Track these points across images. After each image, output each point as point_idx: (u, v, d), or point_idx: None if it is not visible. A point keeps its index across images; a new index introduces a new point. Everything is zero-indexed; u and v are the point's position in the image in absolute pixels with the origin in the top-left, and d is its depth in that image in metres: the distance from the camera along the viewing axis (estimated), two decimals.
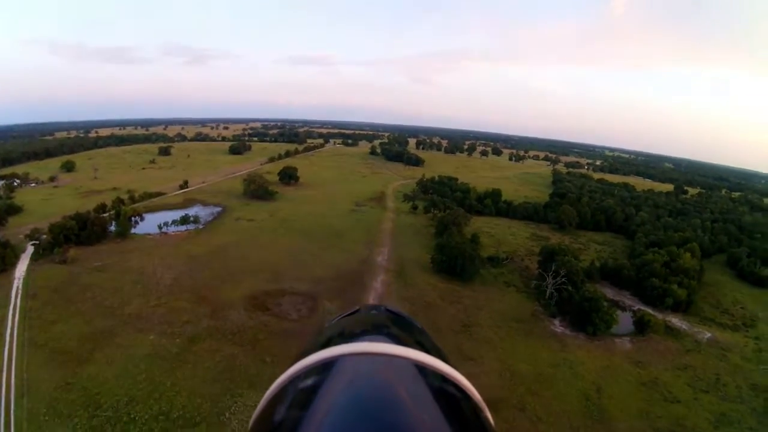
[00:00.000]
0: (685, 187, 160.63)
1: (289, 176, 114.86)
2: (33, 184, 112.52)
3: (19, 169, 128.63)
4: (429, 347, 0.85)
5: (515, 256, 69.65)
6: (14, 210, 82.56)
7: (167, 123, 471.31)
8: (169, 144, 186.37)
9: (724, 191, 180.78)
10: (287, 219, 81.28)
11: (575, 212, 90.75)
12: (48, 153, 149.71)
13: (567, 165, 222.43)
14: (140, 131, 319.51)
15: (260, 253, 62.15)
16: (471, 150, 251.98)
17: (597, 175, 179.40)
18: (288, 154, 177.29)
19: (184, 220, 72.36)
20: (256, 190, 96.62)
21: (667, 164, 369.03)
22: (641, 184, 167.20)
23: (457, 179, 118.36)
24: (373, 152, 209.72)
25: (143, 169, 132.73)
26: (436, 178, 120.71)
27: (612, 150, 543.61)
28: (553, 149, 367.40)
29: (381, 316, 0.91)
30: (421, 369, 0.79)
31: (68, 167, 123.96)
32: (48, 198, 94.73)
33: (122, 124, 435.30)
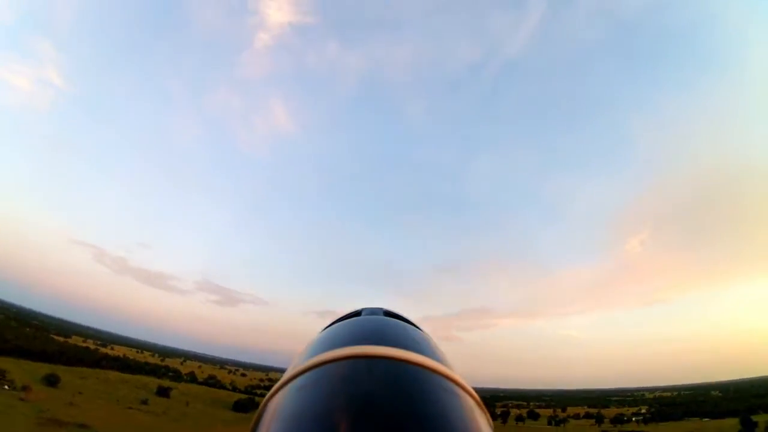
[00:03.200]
0: (752, 418, 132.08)
1: None
2: (6, 387, 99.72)
3: (4, 363, 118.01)
4: (428, 350, 0.87)
5: None
6: None
7: (187, 356, 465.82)
8: (171, 385, 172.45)
9: None
10: None
11: None
12: (44, 356, 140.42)
13: (613, 421, 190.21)
14: (156, 359, 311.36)
15: None
16: (505, 417, 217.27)
17: (651, 430, 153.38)
18: None
19: None
20: None
21: (714, 392, 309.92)
22: (703, 427, 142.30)
23: None
24: None
25: (129, 408, 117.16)
26: None
27: (651, 390, 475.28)
28: (590, 400, 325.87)
29: (380, 318, 0.91)
30: (421, 371, 0.83)
31: (51, 380, 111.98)
32: (2, 410, 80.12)
33: (142, 346, 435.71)
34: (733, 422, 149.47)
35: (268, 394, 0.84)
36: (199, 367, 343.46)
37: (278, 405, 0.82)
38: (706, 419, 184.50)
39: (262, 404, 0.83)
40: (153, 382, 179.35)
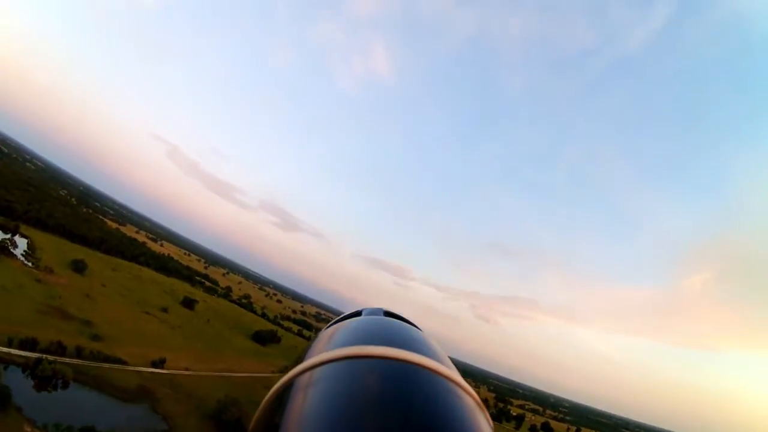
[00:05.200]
0: None
1: None
2: (29, 264, 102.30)
3: (41, 239, 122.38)
4: (428, 350, 0.90)
5: None
6: None
7: (232, 269, 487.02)
8: (200, 297, 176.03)
9: None
10: None
11: None
12: (85, 240, 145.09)
13: None
14: (200, 265, 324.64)
15: None
16: (519, 421, 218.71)
17: None
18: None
19: None
20: (226, 421, 73.11)
21: None
22: None
23: None
24: None
25: (146, 313, 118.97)
26: None
27: None
28: (606, 426, 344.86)
29: (380, 319, 0.93)
30: (421, 371, 0.86)
31: (79, 267, 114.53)
32: (11, 289, 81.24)
33: (193, 248, 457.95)
34: None
35: (269, 392, 0.88)
36: (240, 282, 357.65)
37: (279, 404, 0.84)
38: None
39: (263, 402, 0.86)
40: (184, 289, 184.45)
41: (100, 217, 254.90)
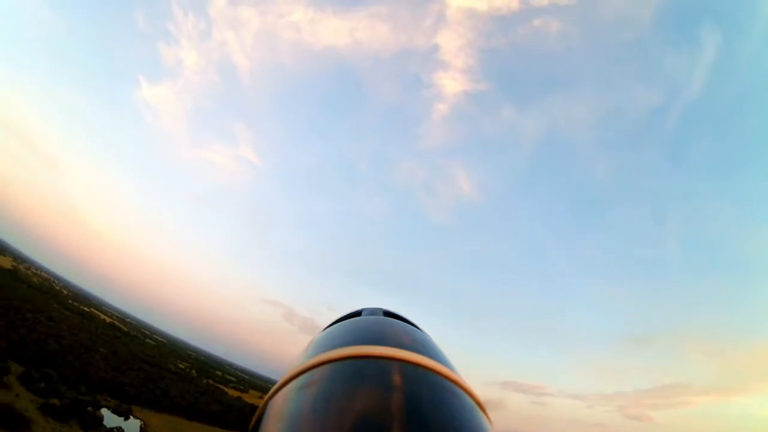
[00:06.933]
0: None
1: None
2: None
3: (158, 420, 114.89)
4: (429, 350, 0.88)
5: None
6: None
7: None
8: None
9: None
10: None
11: None
12: (200, 415, 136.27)
13: None
14: None
15: None
16: None
17: None
18: None
19: None
20: None
21: None
22: None
23: None
24: None
25: None
26: None
27: None
28: None
29: (381, 318, 0.90)
30: (421, 371, 0.86)
31: None
32: None
33: None
34: None
35: (269, 393, 0.86)
36: None
37: (278, 404, 0.84)
38: None
39: (262, 403, 0.85)
40: None
41: (221, 387, 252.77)
